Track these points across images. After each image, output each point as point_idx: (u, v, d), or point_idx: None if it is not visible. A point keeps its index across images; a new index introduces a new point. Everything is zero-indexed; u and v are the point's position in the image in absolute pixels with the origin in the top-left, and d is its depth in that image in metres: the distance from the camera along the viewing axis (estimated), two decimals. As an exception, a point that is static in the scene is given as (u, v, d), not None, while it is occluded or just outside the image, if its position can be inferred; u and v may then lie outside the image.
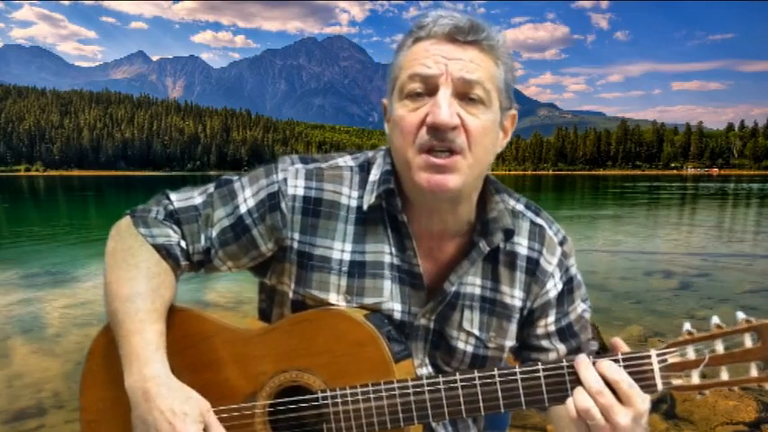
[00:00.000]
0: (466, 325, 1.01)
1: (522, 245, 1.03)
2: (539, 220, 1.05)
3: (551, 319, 1.05)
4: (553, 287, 1.04)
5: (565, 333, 1.05)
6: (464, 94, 0.86)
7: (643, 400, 0.79)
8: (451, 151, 0.86)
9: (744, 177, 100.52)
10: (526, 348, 1.07)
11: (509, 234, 0.99)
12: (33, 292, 6.34)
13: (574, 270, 1.07)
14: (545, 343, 1.05)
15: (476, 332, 1.01)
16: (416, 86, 0.87)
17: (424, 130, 0.86)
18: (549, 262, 1.04)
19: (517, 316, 1.04)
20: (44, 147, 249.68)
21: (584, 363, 0.80)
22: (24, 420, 3.09)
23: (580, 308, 1.07)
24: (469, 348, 1.02)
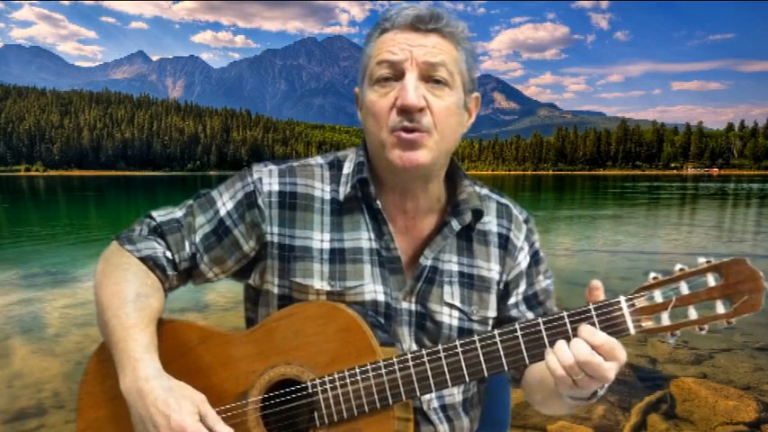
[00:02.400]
0: (447, 298, 1.05)
1: (492, 223, 1.11)
2: (504, 201, 1.15)
3: (522, 288, 1.12)
4: (523, 259, 1.12)
5: (531, 301, 1.12)
6: (429, 76, 0.94)
7: (622, 352, 0.84)
8: (419, 131, 0.93)
9: (744, 177, 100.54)
10: (499, 322, 1.12)
11: (478, 214, 1.06)
12: (33, 292, 6.34)
13: (538, 245, 1.16)
14: (514, 312, 1.11)
15: (458, 304, 1.05)
16: (384, 72, 0.94)
17: (394, 113, 0.93)
18: (518, 237, 1.12)
19: (495, 288, 1.10)
20: (44, 147, 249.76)
21: (560, 345, 0.85)
22: (24, 420, 3.09)
23: (545, 282, 1.15)
24: (455, 322, 1.05)
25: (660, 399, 3.23)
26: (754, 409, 3.00)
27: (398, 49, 0.93)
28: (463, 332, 1.06)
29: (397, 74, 0.94)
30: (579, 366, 0.83)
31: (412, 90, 0.91)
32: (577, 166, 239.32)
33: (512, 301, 1.11)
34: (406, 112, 0.92)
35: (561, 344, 0.85)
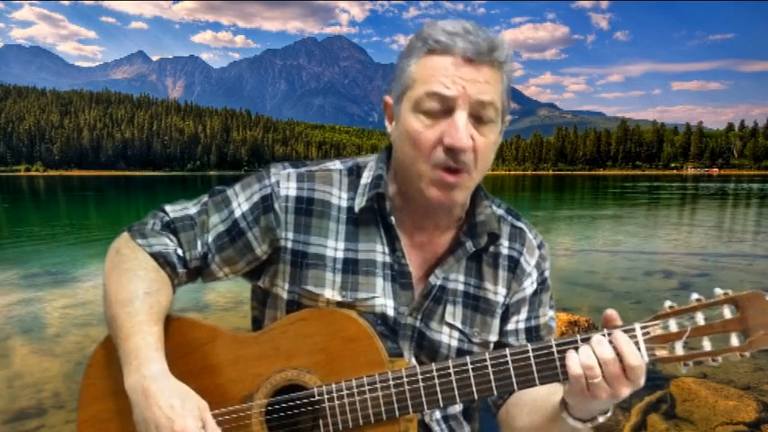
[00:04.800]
0: (448, 318, 1.03)
1: (503, 245, 1.08)
2: (519, 224, 1.11)
3: (523, 316, 1.09)
4: (530, 285, 1.09)
5: (532, 333, 1.10)
6: (477, 115, 0.91)
7: (643, 375, 0.82)
8: (461, 171, 0.92)
9: (744, 177, 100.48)
10: (495, 345, 1.10)
11: (494, 238, 1.04)
12: (33, 292, 6.33)
13: (547, 273, 1.13)
14: (512, 340, 1.09)
15: (458, 325, 1.04)
16: (434, 105, 0.90)
17: (439, 149, 0.90)
18: (528, 262, 1.09)
19: (500, 311, 1.08)
20: (44, 147, 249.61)
21: (597, 338, 0.84)
22: (24, 420, 3.09)
23: (548, 314, 1.13)
24: (454, 342, 1.04)
25: (660, 399, 3.23)
26: (754, 409, 3.00)
27: (451, 82, 0.88)
28: (462, 353, 1.04)
29: (447, 108, 0.90)
30: (601, 366, 0.82)
31: (463, 131, 0.88)
32: (577, 166, 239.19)
33: (510, 327, 1.09)
34: (454, 151, 0.89)
35: (585, 346, 0.84)
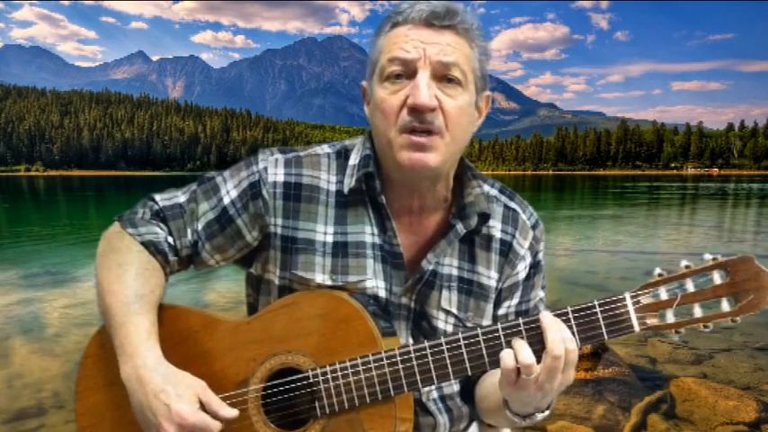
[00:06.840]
0: (444, 304, 1.03)
1: (496, 228, 1.06)
2: (512, 204, 1.09)
3: (515, 301, 1.09)
4: (523, 269, 1.08)
5: (522, 316, 1.10)
6: (442, 76, 0.91)
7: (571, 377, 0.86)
8: (430, 132, 0.90)
9: (744, 177, 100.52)
10: None
11: (484, 218, 1.03)
12: (33, 292, 6.34)
13: (541, 255, 1.11)
14: None
15: (454, 311, 1.04)
16: (396, 69, 0.91)
17: (405, 112, 0.90)
18: (522, 245, 1.07)
19: (493, 296, 1.07)
20: (44, 147, 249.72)
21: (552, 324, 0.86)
22: (24, 420, 3.09)
23: (539, 295, 1.12)
24: (449, 328, 1.04)
25: (660, 399, 3.23)
26: (754, 409, 3.00)
27: (411, 46, 0.90)
28: None
29: (409, 72, 0.90)
30: (535, 367, 0.83)
31: (425, 89, 0.88)
32: (577, 166, 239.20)
33: (501, 312, 1.09)
34: (418, 111, 0.89)
35: (523, 343, 0.85)
